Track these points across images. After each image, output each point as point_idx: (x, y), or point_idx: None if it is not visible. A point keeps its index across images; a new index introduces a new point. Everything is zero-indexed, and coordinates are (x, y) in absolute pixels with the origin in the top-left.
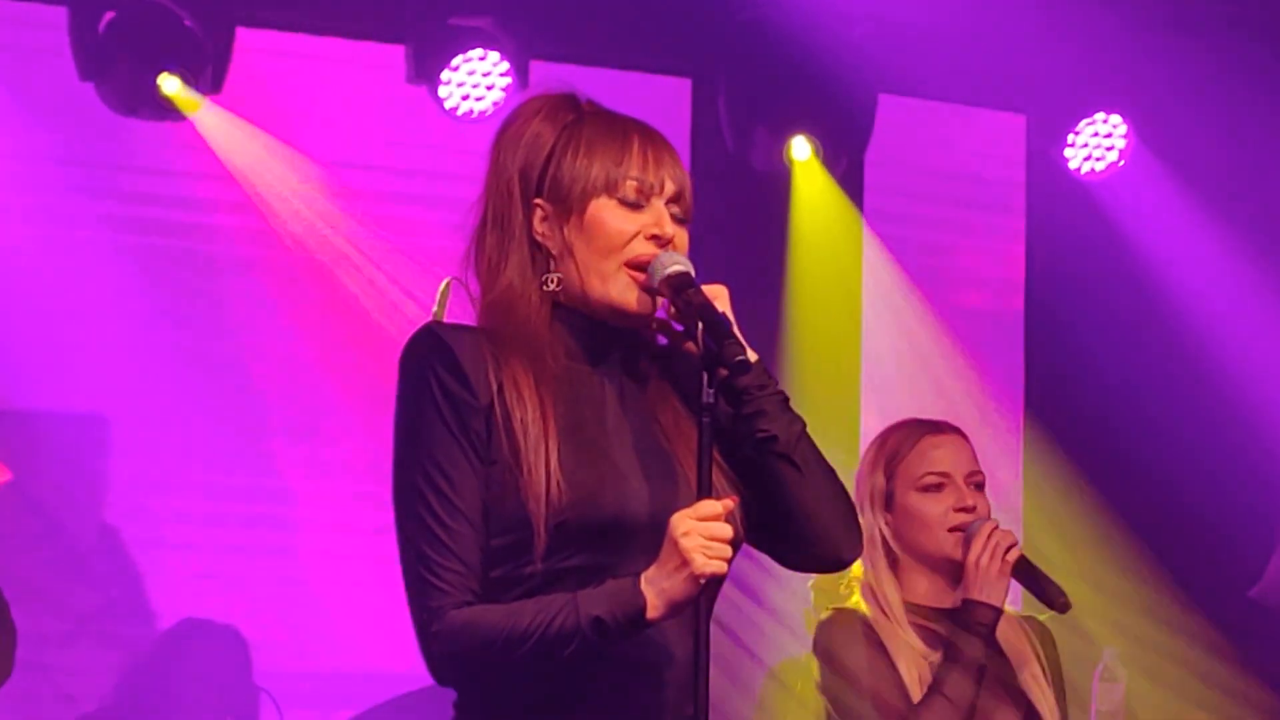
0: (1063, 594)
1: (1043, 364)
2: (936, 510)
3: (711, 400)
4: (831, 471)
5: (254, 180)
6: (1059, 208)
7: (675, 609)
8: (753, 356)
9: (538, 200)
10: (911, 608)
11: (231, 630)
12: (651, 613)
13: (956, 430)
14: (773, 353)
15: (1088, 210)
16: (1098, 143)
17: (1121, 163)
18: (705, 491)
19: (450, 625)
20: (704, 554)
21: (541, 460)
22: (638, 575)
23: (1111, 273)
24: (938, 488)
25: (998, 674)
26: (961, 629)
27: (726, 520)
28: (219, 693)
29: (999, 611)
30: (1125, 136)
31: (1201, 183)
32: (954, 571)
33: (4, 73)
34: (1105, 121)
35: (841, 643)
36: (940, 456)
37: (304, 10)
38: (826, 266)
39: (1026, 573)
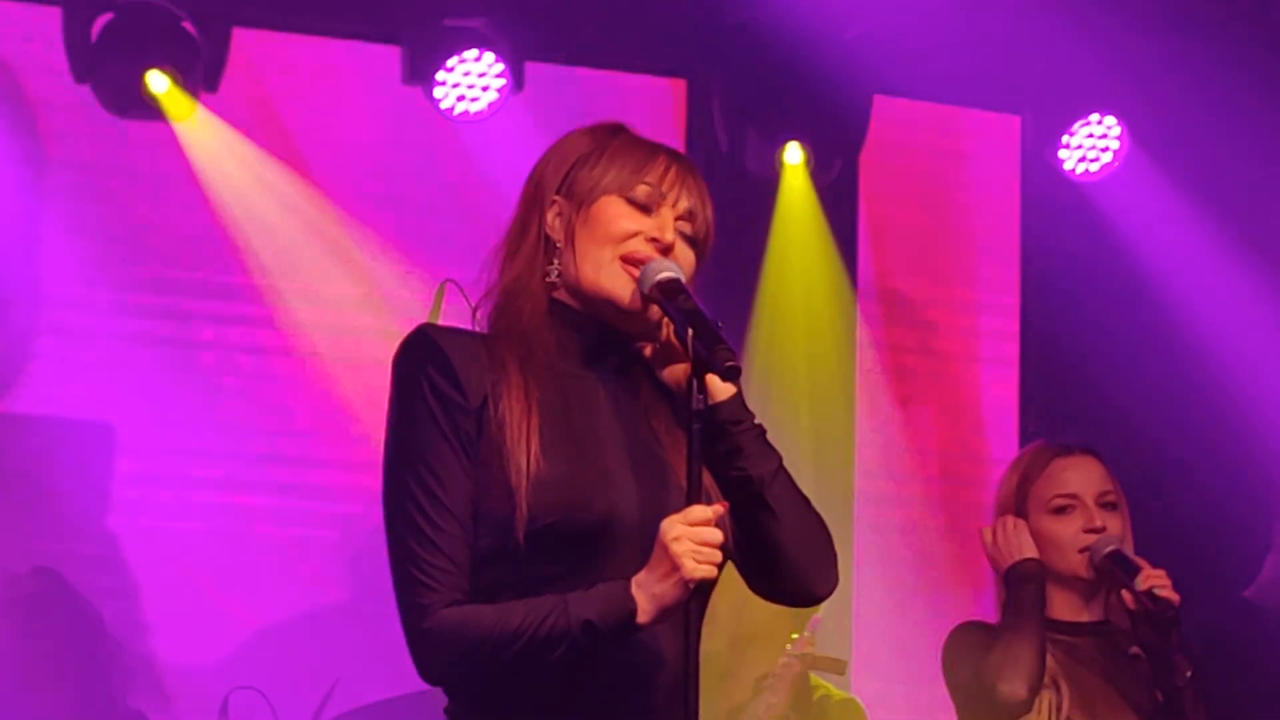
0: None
1: (1038, 365)
2: (1067, 532)
3: (702, 406)
4: (807, 507)
5: (243, 186)
6: (1053, 209)
7: (665, 613)
8: (732, 390)
9: (555, 197)
10: (1052, 624)
11: (229, 631)
12: (642, 617)
13: (1088, 451)
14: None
15: (1082, 212)
16: (1092, 144)
17: (1116, 164)
18: (696, 496)
19: (439, 624)
20: (694, 559)
21: (523, 450)
22: (629, 579)
23: (1106, 274)
24: (1068, 510)
25: (1125, 684)
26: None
27: (717, 525)
28: (215, 692)
29: (1037, 561)
30: (1120, 138)
31: (1196, 184)
32: (1086, 589)
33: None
34: (1100, 123)
35: (956, 652)
36: (1070, 478)
37: (300, 11)
38: (800, 273)
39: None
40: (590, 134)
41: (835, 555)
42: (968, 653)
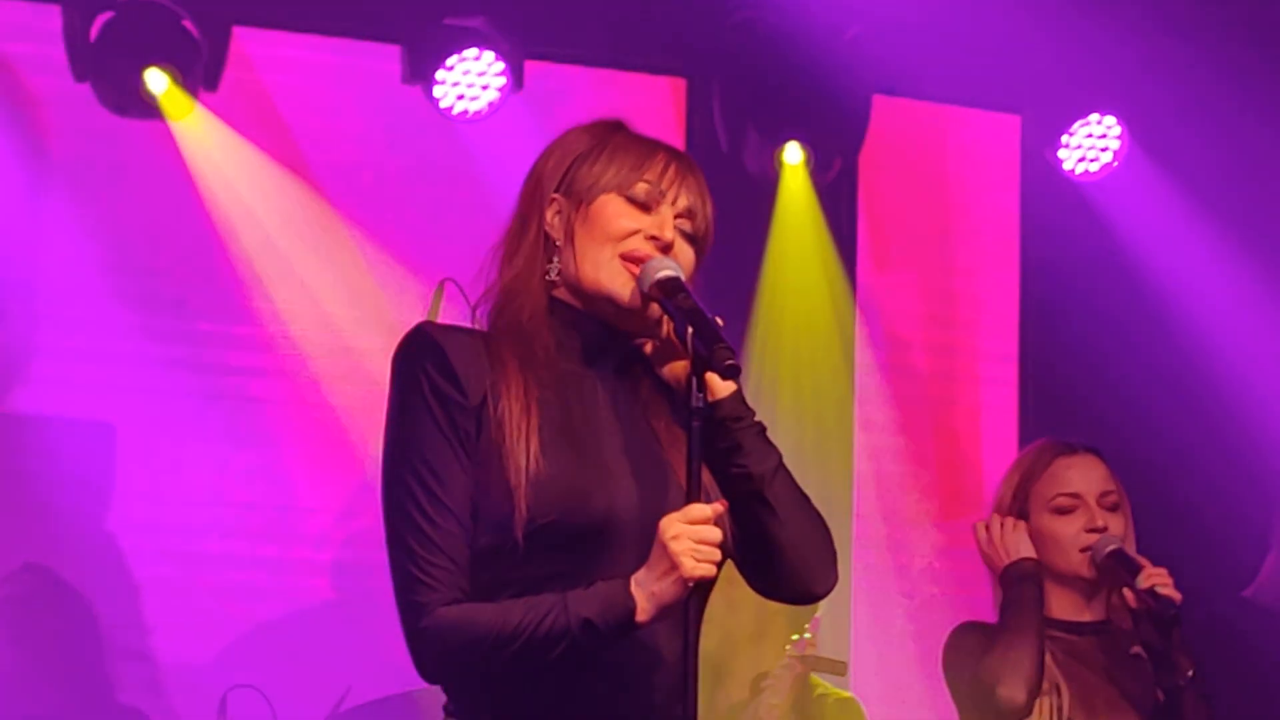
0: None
1: (1037, 364)
2: (1068, 531)
3: (701, 404)
4: (807, 505)
5: (239, 185)
6: (1053, 209)
7: (665, 612)
8: (732, 387)
9: (554, 195)
10: (1052, 623)
11: (228, 629)
12: (641, 615)
13: (1091, 450)
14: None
15: (1082, 211)
16: (1092, 144)
17: (1115, 164)
18: (695, 495)
19: (438, 622)
20: (693, 557)
21: (523, 450)
22: (628, 577)
23: (1106, 273)
24: (1069, 509)
25: (1127, 683)
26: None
27: (716, 524)
28: (214, 691)
29: (1035, 560)
30: (1119, 138)
31: (1195, 184)
32: (1087, 589)
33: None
34: (1099, 123)
35: (956, 655)
36: (1072, 477)
37: (300, 10)
38: (800, 273)
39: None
40: (589, 132)
41: (835, 553)
42: (967, 655)
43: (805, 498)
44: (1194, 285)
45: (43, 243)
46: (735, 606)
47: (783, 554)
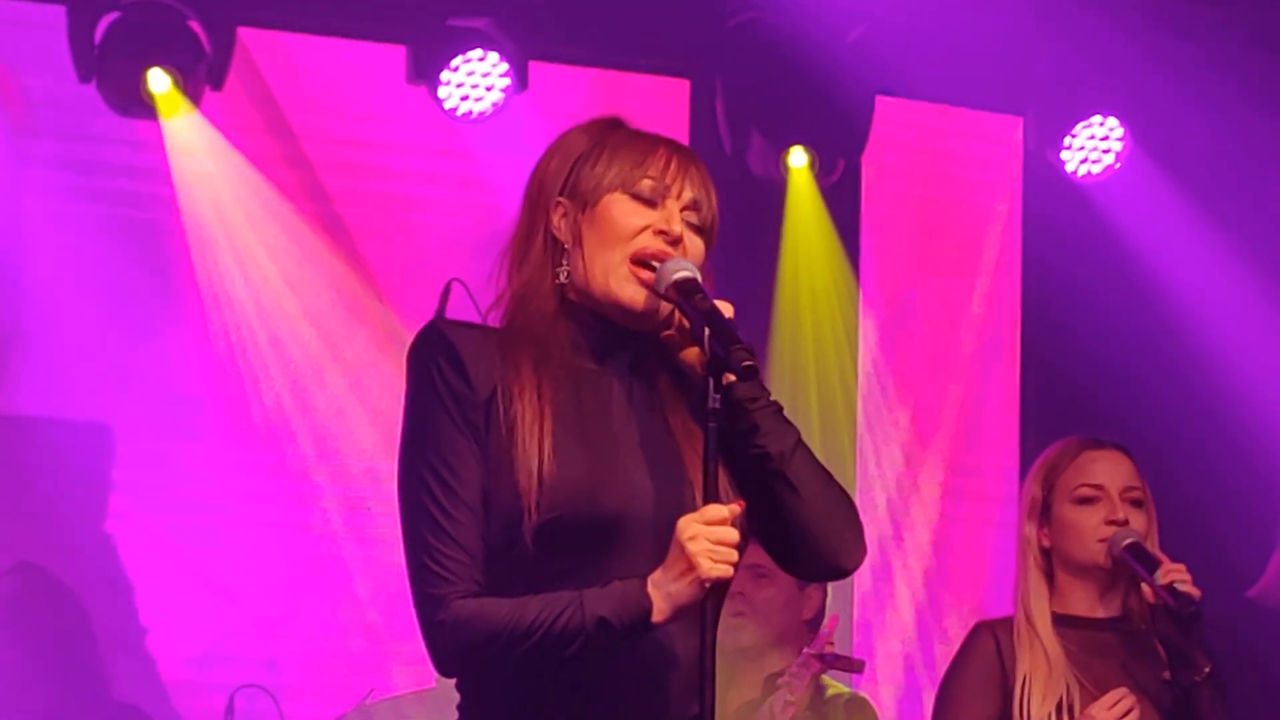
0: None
1: (1039, 365)
2: (1090, 522)
3: (718, 405)
4: (829, 481)
5: (221, 190)
6: (1055, 210)
7: (681, 612)
8: None
9: (559, 198)
10: (1069, 619)
11: (234, 630)
12: (657, 616)
13: (1118, 446)
14: (762, 356)
15: (1084, 213)
16: (1094, 145)
17: (1118, 165)
18: (712, 496)
19: (455, 615)
20: (710, 558)
21: (534, 453)
22: (644, 577)
23: (1108, 275)
24: (1092, 500)
25: (1143, 680)
26: None
27: (733, 524)
28: (221, 692)
29: None
30: (1122, 139)
31: (1198, 185)
32: (1106, 581)
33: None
34: (1102, 124)
35: (959, 655)
36: (1097, 470)
37: (305, 11)
38: (813, 275)
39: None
40: (587, 131)
41: (860, 526)
42: (972, 692)
43: (827, 473)
44: (1196, 286)
45: (38, 239)
46: (780, 606)
47: (807, 531)
